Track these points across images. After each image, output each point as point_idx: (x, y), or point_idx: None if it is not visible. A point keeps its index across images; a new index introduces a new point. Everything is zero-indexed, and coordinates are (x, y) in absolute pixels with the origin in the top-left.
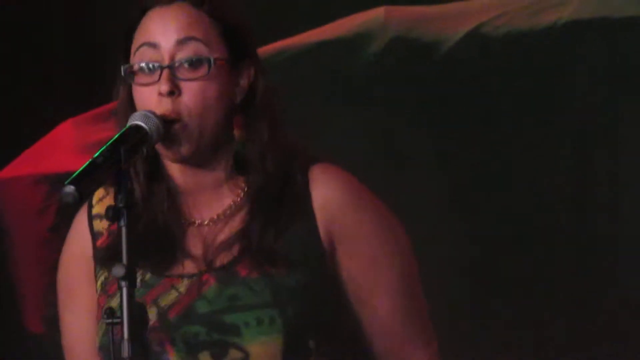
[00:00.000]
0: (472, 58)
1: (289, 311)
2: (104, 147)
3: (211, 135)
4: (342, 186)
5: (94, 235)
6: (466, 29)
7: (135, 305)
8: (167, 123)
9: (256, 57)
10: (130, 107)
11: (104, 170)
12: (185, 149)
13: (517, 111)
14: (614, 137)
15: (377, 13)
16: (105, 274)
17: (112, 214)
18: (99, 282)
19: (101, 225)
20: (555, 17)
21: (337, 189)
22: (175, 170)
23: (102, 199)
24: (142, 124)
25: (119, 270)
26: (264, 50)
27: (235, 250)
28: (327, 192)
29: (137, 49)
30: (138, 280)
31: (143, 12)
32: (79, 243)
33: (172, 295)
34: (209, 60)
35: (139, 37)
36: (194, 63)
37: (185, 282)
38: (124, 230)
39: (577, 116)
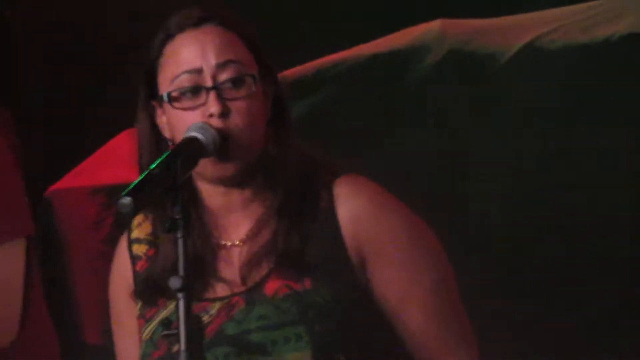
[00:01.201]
0: (528, 71)
1: (316, 327)
2: (161, 158)
3: (256, 152)
4: (366, 199)
5: (133, 259)
6: (522, 42)
7: (192, 317)
8: (223, 136)
9: (276, 74)
10: (153, 135)
11: (160, 181)
12: (234, 167)
13: (573, 124)
14: None
15: (434, 26)
16: (141, 303)
17: (169, 225)
18: (138, 307)
19: (140, 249)
20: (611, 31)
21: (361, 203)
22: (207, 191)
23: (140, 224)
24: (199, 135)
25: (175, 282)
26: (319, 63)
27: (264, 267)
28: (352, 206)
29: (177, 77)
30: (172, 306)
31: (167, 37)
32: (120, 270)
33: (204, 319)
34: (253, 77)
35: (176, 64)
36: (238, 83)
37: (217, 305)
38: (180, 241)
39: (633, 130)
